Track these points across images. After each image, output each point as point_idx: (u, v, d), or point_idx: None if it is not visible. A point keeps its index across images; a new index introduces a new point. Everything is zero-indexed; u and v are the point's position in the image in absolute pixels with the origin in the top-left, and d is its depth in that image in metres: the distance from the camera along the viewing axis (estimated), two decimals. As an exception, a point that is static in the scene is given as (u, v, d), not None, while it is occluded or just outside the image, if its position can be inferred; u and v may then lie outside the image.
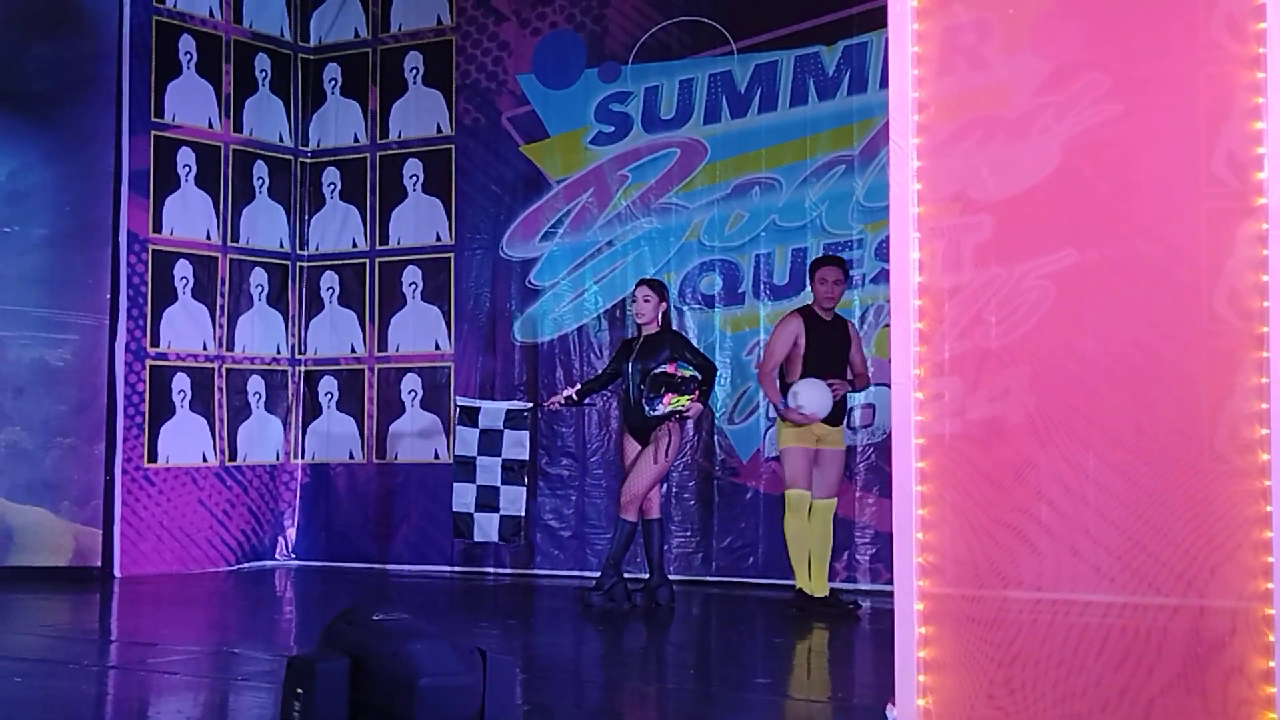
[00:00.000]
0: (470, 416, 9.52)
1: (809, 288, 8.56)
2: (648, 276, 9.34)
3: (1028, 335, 3.54)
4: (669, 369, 8.38)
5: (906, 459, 3.63)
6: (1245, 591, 3.18)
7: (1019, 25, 3.61)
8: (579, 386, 9.04)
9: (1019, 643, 3.49)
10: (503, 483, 9.37)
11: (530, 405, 9.60)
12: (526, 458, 9.37)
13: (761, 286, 9.87)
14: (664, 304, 8.70)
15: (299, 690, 4.13)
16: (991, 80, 3.63)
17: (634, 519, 8.53)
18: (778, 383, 8.39)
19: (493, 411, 9.47)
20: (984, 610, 3.53)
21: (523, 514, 9.38)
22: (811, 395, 8.13)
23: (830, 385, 8.16)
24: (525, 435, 9.38)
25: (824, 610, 8.09)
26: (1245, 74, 3.26)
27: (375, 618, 4.23)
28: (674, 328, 9.35)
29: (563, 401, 9.06)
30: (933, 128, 3.69)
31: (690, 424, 9.41)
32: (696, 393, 8.40)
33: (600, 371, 9.22)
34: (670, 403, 8.34)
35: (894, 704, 3.64)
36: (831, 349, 8.34)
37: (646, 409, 8.38)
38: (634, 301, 8.74)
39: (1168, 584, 3.30)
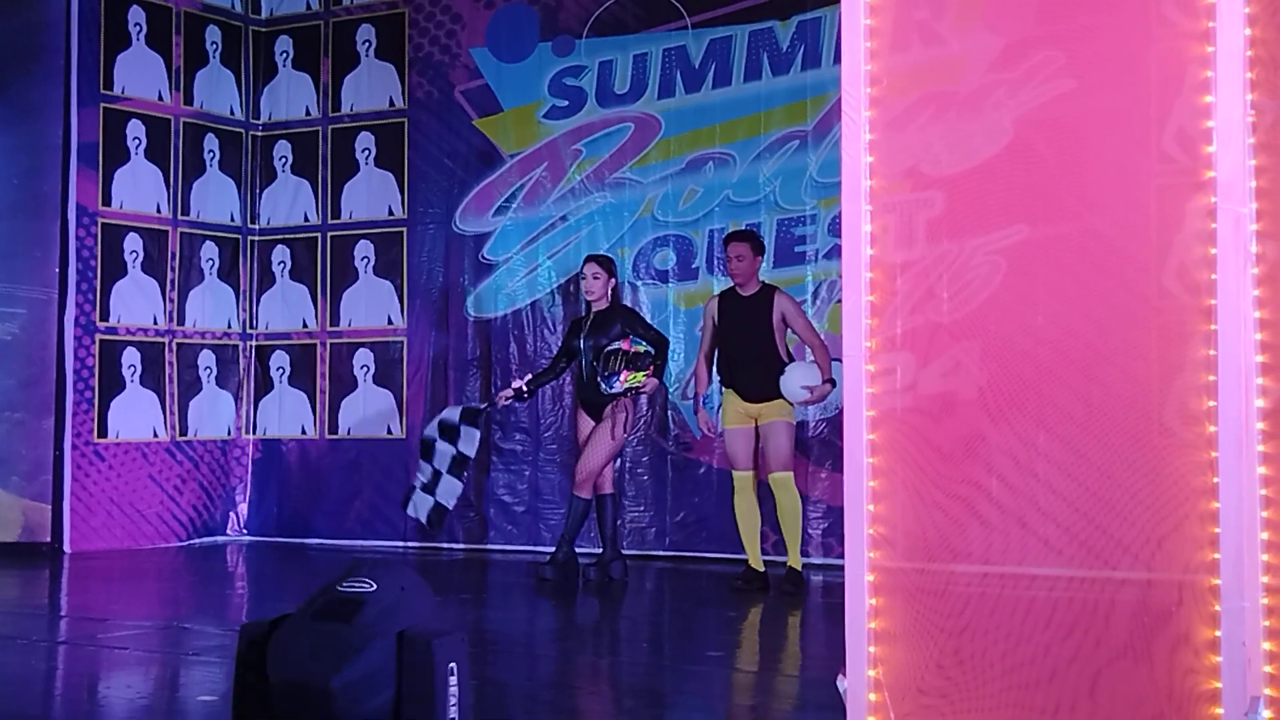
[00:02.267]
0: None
1: None
2: (596, 253, 9.30)
3: (979, 310, 3.55)
4: (624, 345, 8.38)
5: (858, 431, 3.63)
6: (1192, 562, 3.21)
7: (972, 1, 3.62)
8: (529, 378, 9.02)
9: (968, 614, 3.51)
10: (447, 471, 9.30)
11: (485, 406, 9.45)
12: (473, 455, 9.27)
13: (715, 262, 9.87)
14: (613, 280, 8.71)
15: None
16: (945, 56, 3.63)
17: (588, 496, 8.55)
18: (706, 371, 8.49)
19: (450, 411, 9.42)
20: (934, 582, 3.55)
21: (451, 508, 9.27)
22: (787, 377, 8.09)
23: (807, 390, 8.02)
24: (477, 434, 9.27)
25: (789, 588, 8.04)
26: (1195, 48, 3.28)
27: (338, 587, 4.15)
28: (625, 303, 9.35)
29: (511, 395, 9.00)
30: (886, 103, 3.69)
31: (644, 399, 9.43)
32: (651, 368, 8.42)
33: (552, 360, 9.13)
34: (626, 380, 8.36)
35: (844, 675, 3.66)
36: (745, 325, 8.27)
37: (603, 386, 8.38)
38: (584, 279, 8.73)
39: (1115, 556, 3.32)
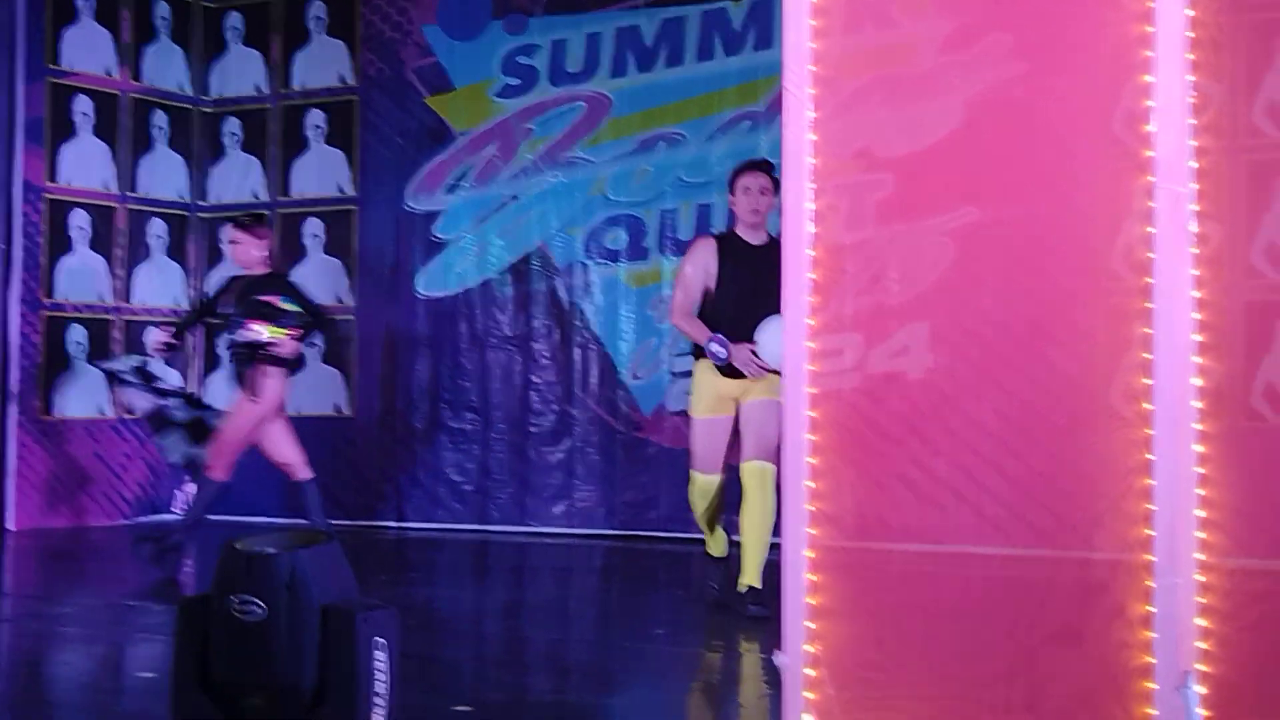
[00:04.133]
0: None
1: (730, 205, 6.82)
2: (239, 216, 8.49)
3: (928, 291, 3.57)
4: (272, 299, 7.58)
5: (798, 408, 3.64)
6: (1128, 538, 3.24)
7: (924, -17, 3.63)
8: (173, 331, 8.25)
9: (910, 591, 3.53)
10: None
11: (140, 364, 8.69)
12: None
13: (666, 242, 9.87)
14: (264, 242, 7.87)
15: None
16: (896, 38, 3.64)
17: (223, 477, 7.75)
18: (696, 320, 6.62)
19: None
20: (875, 560, 3.57)
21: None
22: (770, 339, 6.26)
23: None
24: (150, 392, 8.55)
25: (755, 610, 6.35)
26: (1141, 30, 3.30)
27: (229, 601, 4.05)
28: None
29: (164, 348, 8.26)
30: (837, 84, 3.69)
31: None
32: (298, 331, 7.58)
33: (192, 309, 8.58)
34: (256, 329, 7.49)
35: (781, 650, 3.67)
36: (751, 283, 6.41)
37: (228, 333, 7.66)
38: (229, 245, 8.17)
39: (1058, 535, 3.36)
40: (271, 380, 7.61)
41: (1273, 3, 3.26)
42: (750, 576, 6.45)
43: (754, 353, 6.36)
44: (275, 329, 7.49)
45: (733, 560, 6.73)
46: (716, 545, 6.92)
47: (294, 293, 7.75)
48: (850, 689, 3.55)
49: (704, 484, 6.68)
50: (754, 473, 6.41)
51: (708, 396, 6.61)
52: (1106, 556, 3.27)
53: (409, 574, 8.47)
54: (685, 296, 6.65)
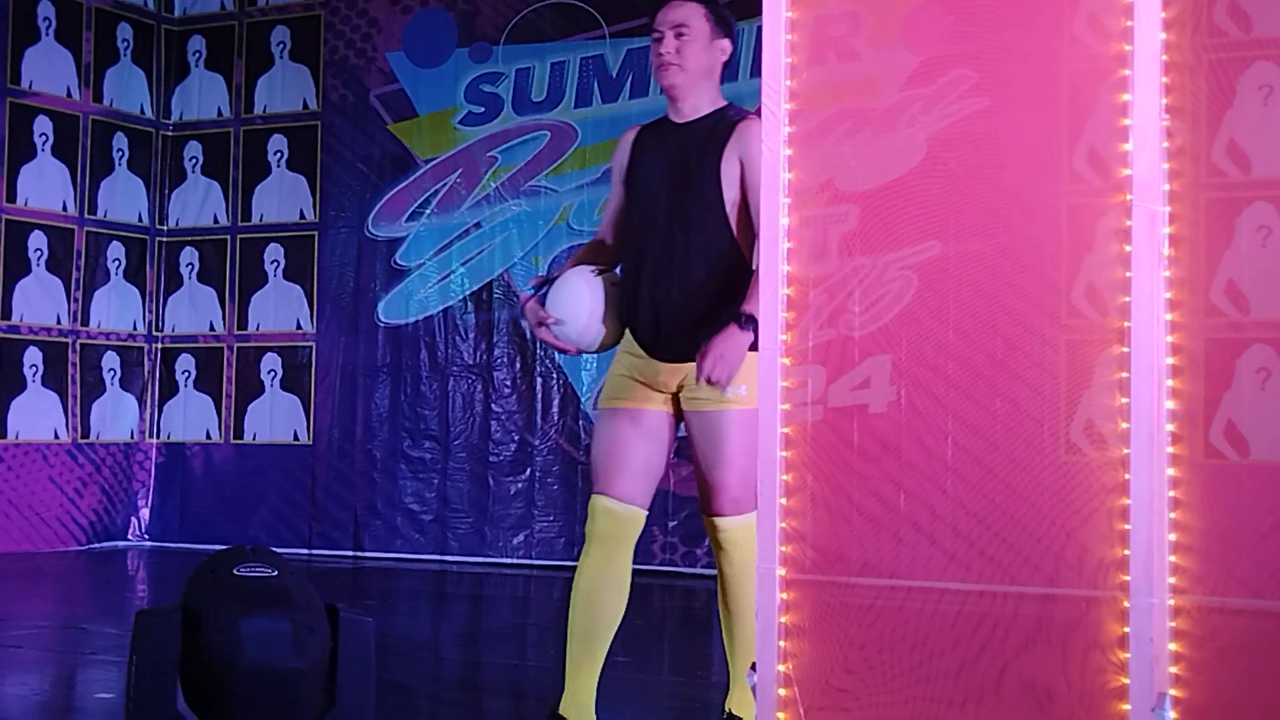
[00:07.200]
0: None
1: None
2: None
3: (890, 325, 3.57)
4: None
5: (771, 424, 3.62)
6: (1102, 559, 3.24)
7: (889, 18, 3.64)
8: None
9: (872, 621, 3.52)
10: None
11: None
12: None
13: (628, 272, 9.87)
14: None
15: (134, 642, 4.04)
16: (860, 72, 3.65)
17: None
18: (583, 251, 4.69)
19: None
20: (838, 591, 3.57)
21: None
22: (562, 298, 4.31)
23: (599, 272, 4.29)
24: None
25: None
26: (1107, 68, 3.31)
27: (236, 571, 4.09)
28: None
29: None
30: (801, 117, 3.70)
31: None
32: None
33: None
34: None
35: (754, 669, 3.66)
36: (668, 180, 4.26)
37: None
38: None
39: (1022, 570, 3.36)
40: None
41: (1234, 41, 3.29)
42: (736, 701, 4.46)
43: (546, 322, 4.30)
44: None
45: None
46: (585, 690, 4.38)
47: None
48: (822, 710, 3.54)
49: (606, 520, 4.41)
50: (732, 536, 4.29)
51: (617, 377, 4.35)
52: (1077, 579, 3.27)
53: (366, 602, 8.42)
54: (604, 222, 4.56)
